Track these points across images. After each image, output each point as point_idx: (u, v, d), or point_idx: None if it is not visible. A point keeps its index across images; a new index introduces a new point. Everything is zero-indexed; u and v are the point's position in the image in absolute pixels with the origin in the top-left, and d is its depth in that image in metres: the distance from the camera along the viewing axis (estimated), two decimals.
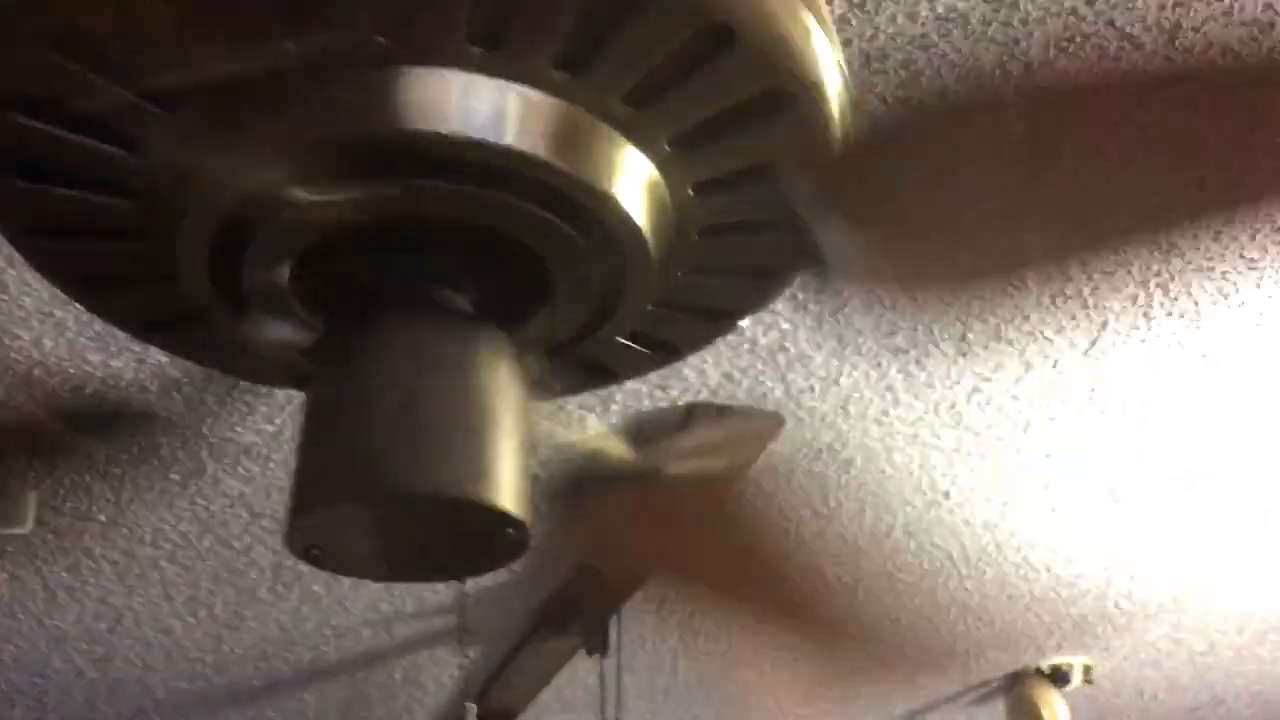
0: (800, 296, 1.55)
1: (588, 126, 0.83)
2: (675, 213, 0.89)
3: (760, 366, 1.71)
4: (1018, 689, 2.80)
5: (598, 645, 2.11)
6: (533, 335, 0.96)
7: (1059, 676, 2.76)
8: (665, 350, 1.10)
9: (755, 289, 1.03)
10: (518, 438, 0.90)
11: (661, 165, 0.86)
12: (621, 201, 0.85)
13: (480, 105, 0.80)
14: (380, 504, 0.89)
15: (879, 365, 1.73)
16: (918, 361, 1.73)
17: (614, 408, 1.74)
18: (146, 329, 1.05)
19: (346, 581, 2.21)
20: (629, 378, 1.21)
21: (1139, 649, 2.73)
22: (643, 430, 1.53)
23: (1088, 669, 2.76)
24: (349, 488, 0.88)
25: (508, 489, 0.88)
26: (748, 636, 2.56)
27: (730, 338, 1.63)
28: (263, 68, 0.75)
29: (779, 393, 1.77)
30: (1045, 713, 2.71)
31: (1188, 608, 2.56)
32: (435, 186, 0.82)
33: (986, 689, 2.88)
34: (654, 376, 1.66)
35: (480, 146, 0.80)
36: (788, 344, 1.67)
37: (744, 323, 1.13)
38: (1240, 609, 2.58)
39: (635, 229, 0.86)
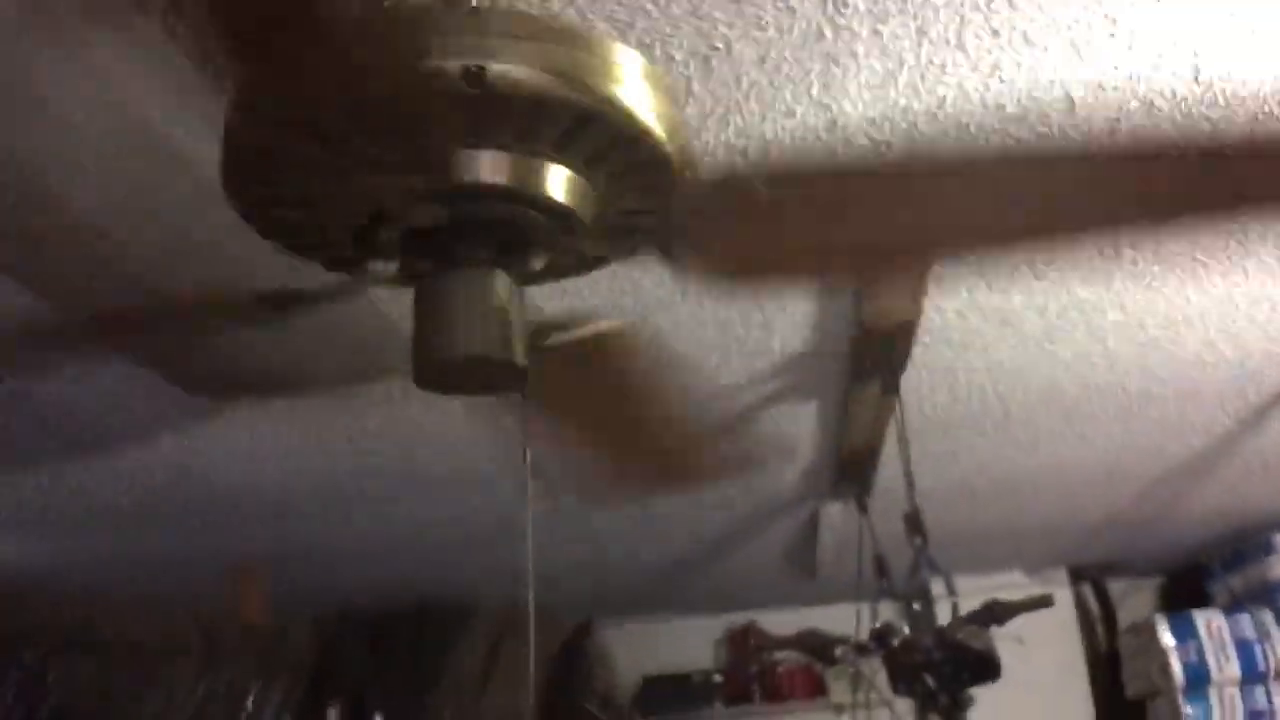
0: None
1: (548, 168, 1.55)
2: (599, 203, 1.63)
3: None
4: None
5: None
6: (525, 269, 1.72)
7: None
8: (598, 263, 1.85)
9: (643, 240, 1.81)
10: (516, 324, 1.63)
11: (592, 184, 1.59)
12: (557, 197, 1.56)
13: (502, 164, 1.53)
14: (451, 359, 1.62)
15: None
16: None
17: None
18: (331, 264, 1.78)
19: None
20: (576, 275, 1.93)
21: None
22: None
23: None
24: (438, 352, 1.62)
25: (513, 349, 1.62)
26: None
27: None
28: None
29: None
30: None
31: None
32: (479, 207, 1.58)
33: None
34: None
35: (497, 187, 1.54)
36: None
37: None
38: None
39: (568, 210, 1.58)
